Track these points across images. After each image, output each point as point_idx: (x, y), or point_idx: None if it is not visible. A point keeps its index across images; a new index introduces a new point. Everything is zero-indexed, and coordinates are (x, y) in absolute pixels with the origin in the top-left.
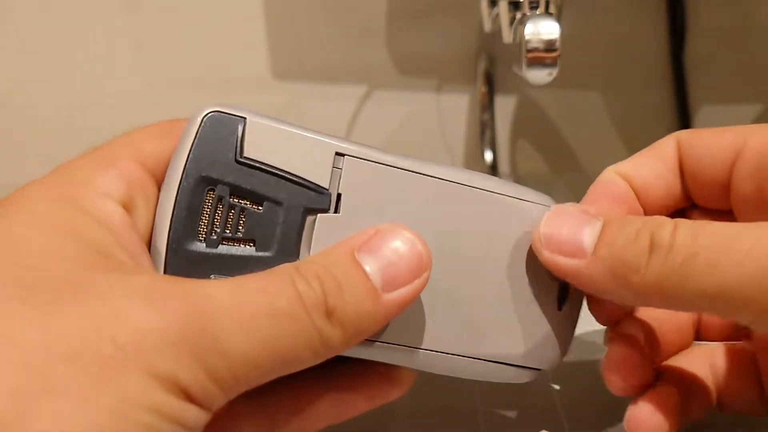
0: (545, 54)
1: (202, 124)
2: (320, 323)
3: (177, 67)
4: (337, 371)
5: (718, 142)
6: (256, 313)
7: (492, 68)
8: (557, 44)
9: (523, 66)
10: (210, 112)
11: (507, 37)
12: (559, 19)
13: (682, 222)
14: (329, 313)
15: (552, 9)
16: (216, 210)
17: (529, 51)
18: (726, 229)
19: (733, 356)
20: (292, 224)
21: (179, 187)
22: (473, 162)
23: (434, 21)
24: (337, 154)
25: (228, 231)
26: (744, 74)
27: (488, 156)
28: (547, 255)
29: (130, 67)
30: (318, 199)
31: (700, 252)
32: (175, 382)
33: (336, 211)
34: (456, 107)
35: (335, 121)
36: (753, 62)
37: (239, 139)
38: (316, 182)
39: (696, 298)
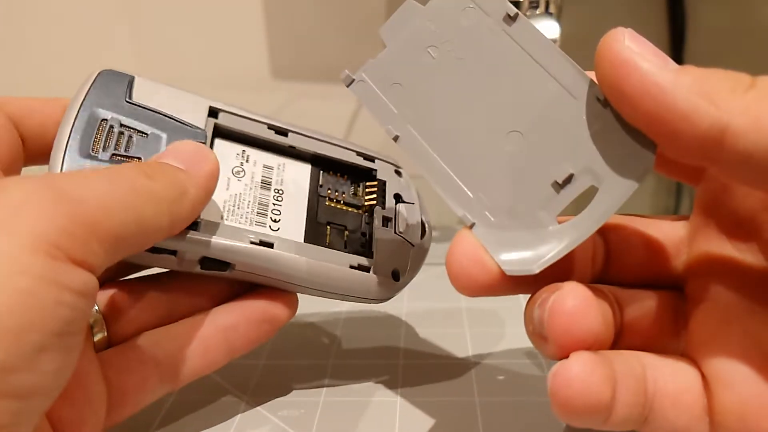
0: None
1: (98, 76)
2: (144, 181)
3: (177, 66)
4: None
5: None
6: (90, 176)
7: None
8: (557, 44)
9: None
10: (103, 70)
11: None
12: (559, 19)
13: None
14: (148, 176)
15: (552, 9)
16: (108, 135)
17: None
18: None
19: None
20: (169, 143)
21: (75, 116)
22: None
23: None
24: (211, 108)
25: (117, 149)
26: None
27: None
28: (625, 68)
29: (130, 67)
30: (195, 135)
31: None
32: (47, 241)
33: (211, 146)
34: None
35: (335, 121)
36: (753, 62)
37: (128, 87)
38: (194, 123)
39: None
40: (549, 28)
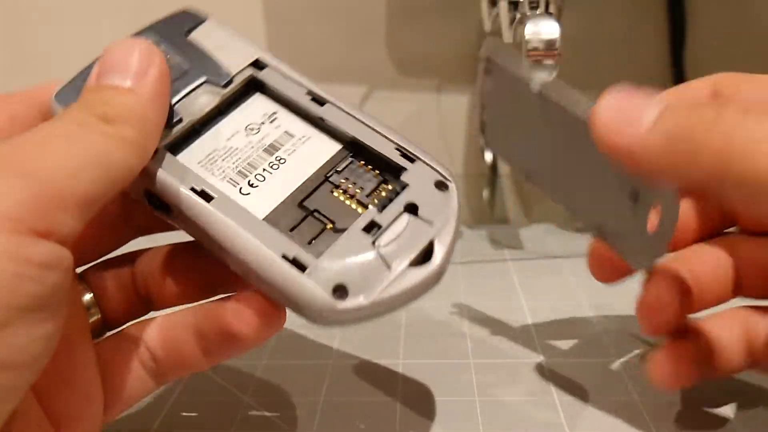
0: (545, 54)
1: (176, 12)
2: (104, 127)
3: None
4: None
5: None
6: (47, 140)
7: None
8: (557, 44)
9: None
10: (183, 8)
11: (507, 37)
12: (559, 19)
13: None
14: (106, 119)
15: (552, 9)
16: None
17: (529, 51)
18: None
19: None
20: (191, 81)
21: (140, 33)
22: (473, 162)
23: (434, 21)
24: (258, 60)
25: None
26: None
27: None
28: (602, 129)
29: None
30: (217, 75)
31: None
32: (6, 216)
33: (244, 98)
34: (456, 107)
35: None
36: (753, 62)
37: (194, 26)
38: (226, 67)
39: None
40: (549, 27)
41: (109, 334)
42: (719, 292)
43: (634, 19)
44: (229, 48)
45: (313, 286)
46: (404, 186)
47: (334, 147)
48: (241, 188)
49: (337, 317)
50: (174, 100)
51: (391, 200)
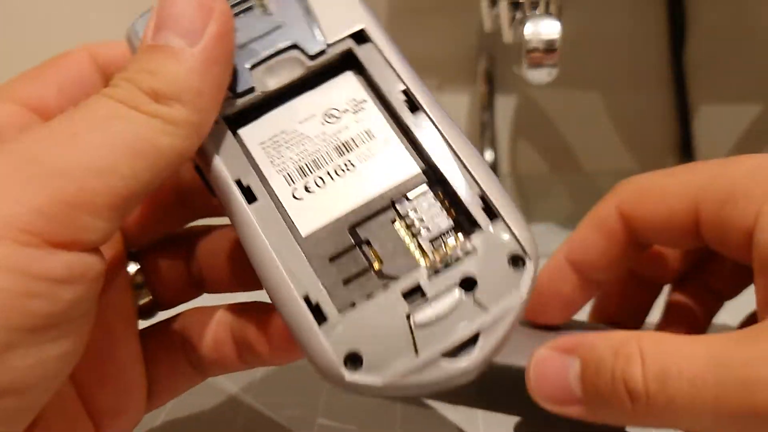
0: (545, 54)
1: None
2: (151, 108)
3: None
4: None
5: (672, 193)
6: (78, 131)
7: (492, 68)
8: (557, 44)
9: (524, 66)
10: None
11: (507, 37)
12: (559, 19)
13: (649, 355)
14: (155, 96)
15: (552, 9)
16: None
17: (529, 51)
18: (695, 365)
19: None
20: (276, 41)
21: None
22: None
23: (434, 21)
24: (361, 32)
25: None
26: (744, 74)
27: (488, 155)
28: (546, 405)
29: None
30: (309, 41)
31: (676, 398)
32: (16, 227)
33: (335, 73)
34: (456, 107)
35: None
36: (753, 62)
37: None
38: (323, 32)
39: (690, 425)
40: (549, 28)
41: (155, 322)
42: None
43: (635, 20)
44: (334, 6)
45: (324, 347)
46: (470, 250)
47: (413, 167)
48: (295, 190)
49: (343, 386)
50: (249, 63)
51: (448, 264)
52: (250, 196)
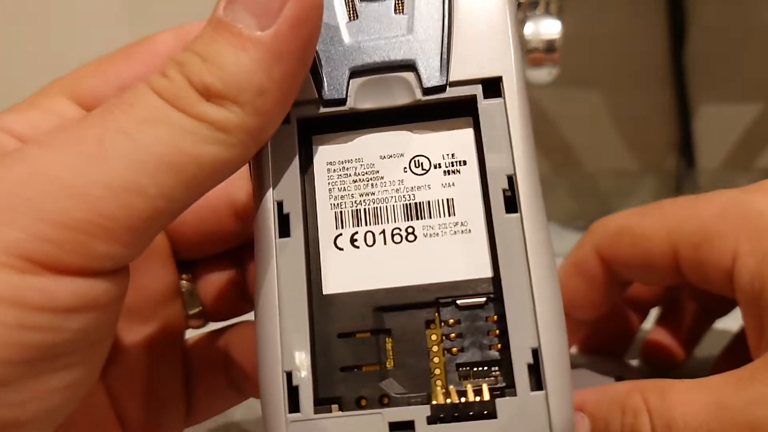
0: (545, 54)
1: None
2: (199, 109)
3: None
4: None
5: (648, 236)
6: (105, 137)
7: None
8: (557, 44)
9: (524, 65)
10: None
11: None
12: (559, 19)
13: (655, 408)
14: (207, 92)
15: (552, 9)
16: None
17: (529, 51)
18: (699, 413)
19: None
20: (393, 51)
21: None
22: None
23: None
24: (499, 80)
25: None
26: (744, 74)
27: None
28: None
29: None
30: (432, 70)
31: None
32: (12, 253)
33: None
34: None
35: None
36: (753, 62)
37: None
38: (453, 65)
39: None
40: (549, 27)
41: (202, 335)
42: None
43: (635, 19)
44: (482, 32)
45: None
46: (491, 411)
47: (483, 269)
48: (338, 237)
49: None
50: (350, 66)
51: (457, 416)
52: (284, 228)
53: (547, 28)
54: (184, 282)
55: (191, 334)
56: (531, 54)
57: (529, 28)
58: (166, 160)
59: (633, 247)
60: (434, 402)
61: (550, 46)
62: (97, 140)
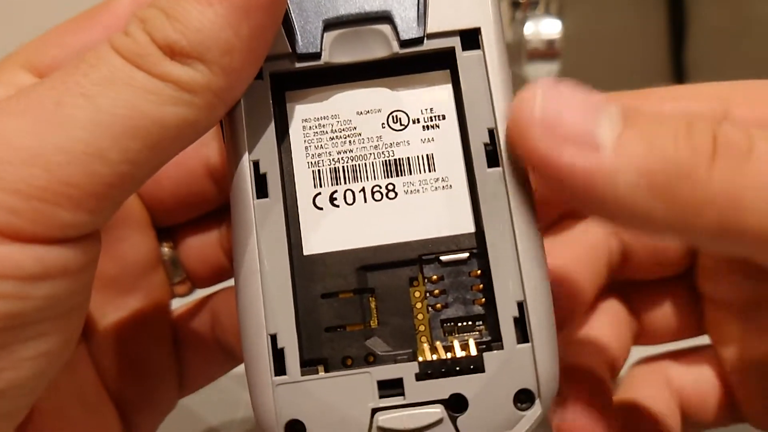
0: (545, 53)
1: None
2: (162, 68)
3: None
4: None
5: None
6: (64, 99)
7: None
8: (557, 44)
9: (524, 65)
10: None
11: (507, 36)
12: (560, 19)
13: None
14: (170, 51)
15: (552, 9)
16: None
17: (529, 50)
18: None
19: (691, 368)
20: (367, 5)
21: None
22: None
23: None
24: (477, 32)
25: None
26: (744, 74)
27: None
28: (542, 144)
29: None
30: (407, 22)
31: None
32: None
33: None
34: None
35: None
36: (753, 62)
37: None
38: (429, 17)
39: None
40: (549, 27)
41: (188, 303)
42: (623, 349)
43: (634, 19)
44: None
45: (269, 404)
46: (478, 365)
47: (465, 224)
48: (318, 196)
49: None
50: (323, 19)
51: (445, 371)
52: (261, 189)
53: (547, 27)
54: (166, 250)
55: (180, 303)
56: (531, 53)
57: (530, 28)
58: (128, 123)
59: (664, 106)
60: (421, 359)
61: (549, 46)
62: (55, 104)
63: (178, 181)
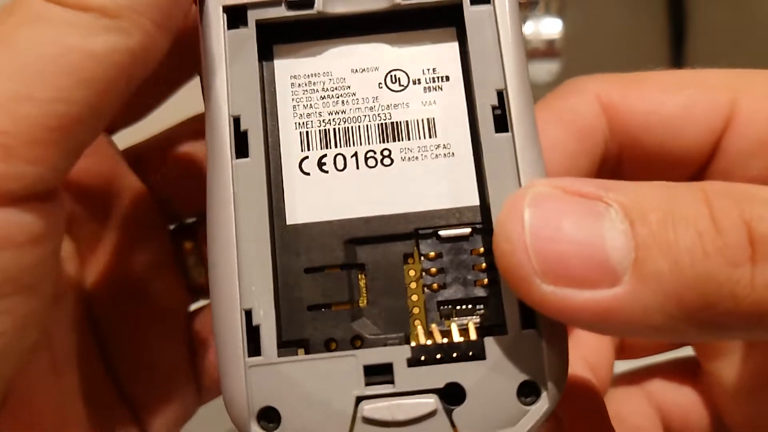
0: (546, 53)
1: None
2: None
3: None
4: None
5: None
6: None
7: None
8: (558, 43)
9: None
10: None
11: None
12: (560, 18)
13: None
14: None
15: (552, 8)
16: None
17: (529, 50)
18: None
19: (672, 382)
20: None
21: None
22: None
23: None
24: None
25: None
26: None
27: None
28: (544, 290)
29: None
30: None
31: None
32: None
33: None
34: None
35: None
36: (753, 62)
37: None
38: None
39: None
40: (550, 27)
41: (207, 304)
42: (607, 364)
43: (635, 19)
44: None
45: (241, 387)
46: (478, 351)
47: (469, 197)
48: (305, 159)
49: None
50: None
51: (441, 357)
52: (241, 147)
53: (547, 27)
54: (188, 247)
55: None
56: (531, 53)
57: (530, 28)
58: (57, 61)
59: (667, 95)
60: (414, 343)
61: (550, 46)
62: None
63: (182, 172)
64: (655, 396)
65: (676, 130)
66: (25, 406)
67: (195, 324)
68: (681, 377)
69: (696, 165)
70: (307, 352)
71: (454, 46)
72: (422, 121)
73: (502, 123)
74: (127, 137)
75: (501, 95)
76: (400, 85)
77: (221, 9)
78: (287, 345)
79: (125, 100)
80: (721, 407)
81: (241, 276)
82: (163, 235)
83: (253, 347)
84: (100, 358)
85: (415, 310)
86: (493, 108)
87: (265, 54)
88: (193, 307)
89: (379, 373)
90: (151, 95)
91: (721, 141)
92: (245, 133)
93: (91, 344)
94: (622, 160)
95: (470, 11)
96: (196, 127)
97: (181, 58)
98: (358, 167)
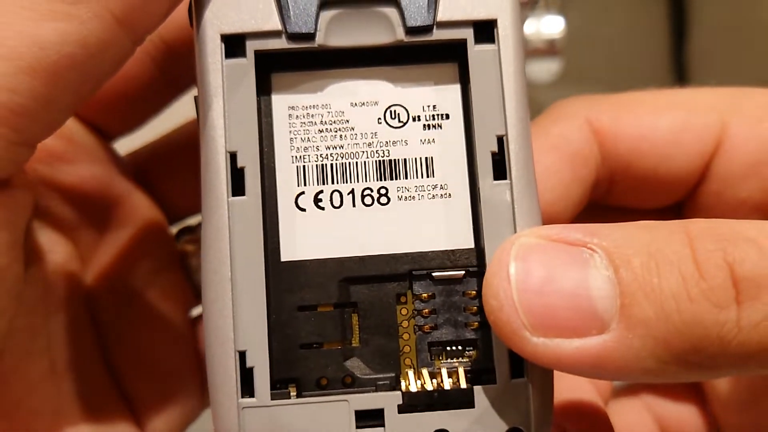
0: (546, 53)
1: None
2: None
3: None
4: None
5: (660, 127)
6: None
7: None
8: (558, 42)
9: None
10: None
11: None
12: (560, 17)
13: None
14: None
15: (553, 7)
16: None
17: (530, 49)
18: None
19: (671, 395)
20: None
21: None
22: None
23: None
24: (493, 24)
25: None
26: (744, 74)
27: None
28: (535, 343)
29: None
30: (417, 8)
31: None
32: None
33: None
34: None
35: None
36: (753, 62)
37: None
38: (443, 4)
39: None
40: (550, 26)
41: None
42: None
43: (635, 19)
44: None
45: (231, 430)
46: (468, 400)
47: (464, 239)
48: (300, 196)
49: None
50: None
51: (431, 404)
52: (238, 185)
53: (547, 27)
54: (190, 249)
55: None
56: (532, 53)
57: (531, 27)
58: (3, 44)
59: (657, 118)
60: (404, 388)
61: (550, 45)
62: None
63: (185, 170)
64: (654, 407)
65: (667, 154)
66: (19, 408)
67: (200, 326)
68: (680, 388)
69: (687, 187)
70: (298, 390)
71: (456, 84)
72: (420, 159)
73: (500, 170)
74: (127, 142)
75: (501, 141)
76: (399, 121)
77: (219, 37)
78: (280, 383)
79: (86, 95)
80: (719, 418)
81: (236, 316)
82: (165, 237)
83: (247, 389)
84: (102, 362)
85: (406, 350)
86: (493, 154)
87: (263, 83)
88: (199, 309)
89: (370, 417)
90: (152, 103)
91: (711, 164)
92: (242, 170)
93: (93, 348)
94: (614, 183)
95: (474, 50)
96: (196, 130)
97: (179, 68)
98: (354, 205)
